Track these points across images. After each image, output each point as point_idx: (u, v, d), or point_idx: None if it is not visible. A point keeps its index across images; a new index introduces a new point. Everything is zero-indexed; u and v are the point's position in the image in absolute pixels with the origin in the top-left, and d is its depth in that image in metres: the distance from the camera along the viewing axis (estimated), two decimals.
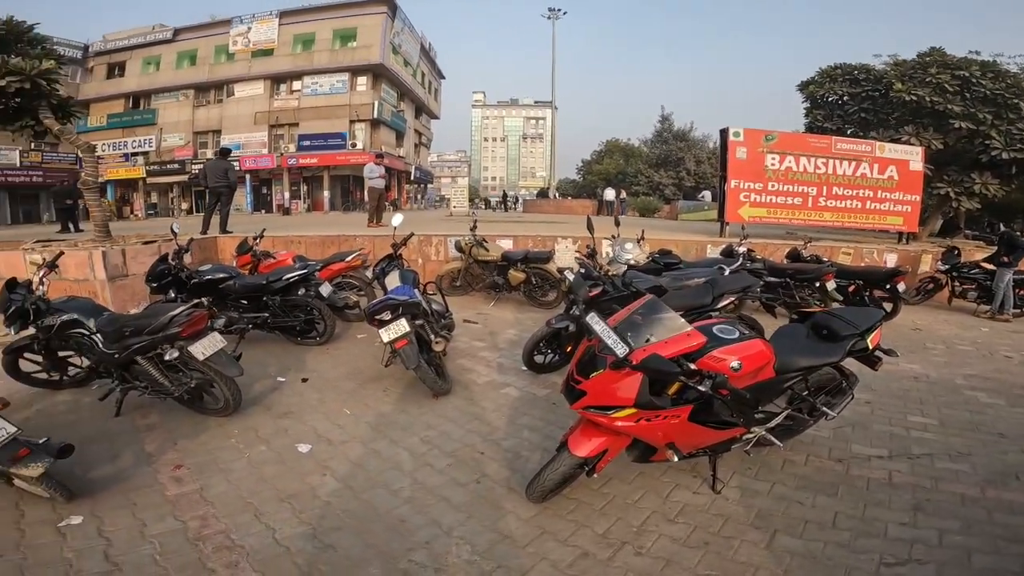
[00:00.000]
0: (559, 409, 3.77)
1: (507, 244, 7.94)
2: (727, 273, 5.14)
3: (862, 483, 2.86)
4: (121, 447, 3.12)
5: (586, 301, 3.83)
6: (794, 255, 7.61)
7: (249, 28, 28.50)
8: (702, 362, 2.19)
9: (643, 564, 2.20)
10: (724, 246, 7.53)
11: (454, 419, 3.58)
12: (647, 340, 2.13)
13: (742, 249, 6.91)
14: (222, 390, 3.43)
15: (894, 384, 4.43)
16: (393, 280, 4.23)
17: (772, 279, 6.81)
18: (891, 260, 8.73)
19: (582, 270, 4.18)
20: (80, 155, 7.21)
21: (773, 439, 2.83)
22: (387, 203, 29.63)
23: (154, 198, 31.17)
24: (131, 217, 27.81)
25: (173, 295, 5.04)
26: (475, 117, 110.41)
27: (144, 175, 29.98)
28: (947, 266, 8.07)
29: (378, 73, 28.52)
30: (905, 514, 2.57)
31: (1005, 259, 7.44)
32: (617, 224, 4.52)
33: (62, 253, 4.33)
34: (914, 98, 11.13)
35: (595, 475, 2.47)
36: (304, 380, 4.29)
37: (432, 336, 3.89)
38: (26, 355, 3.81)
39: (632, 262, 5.04)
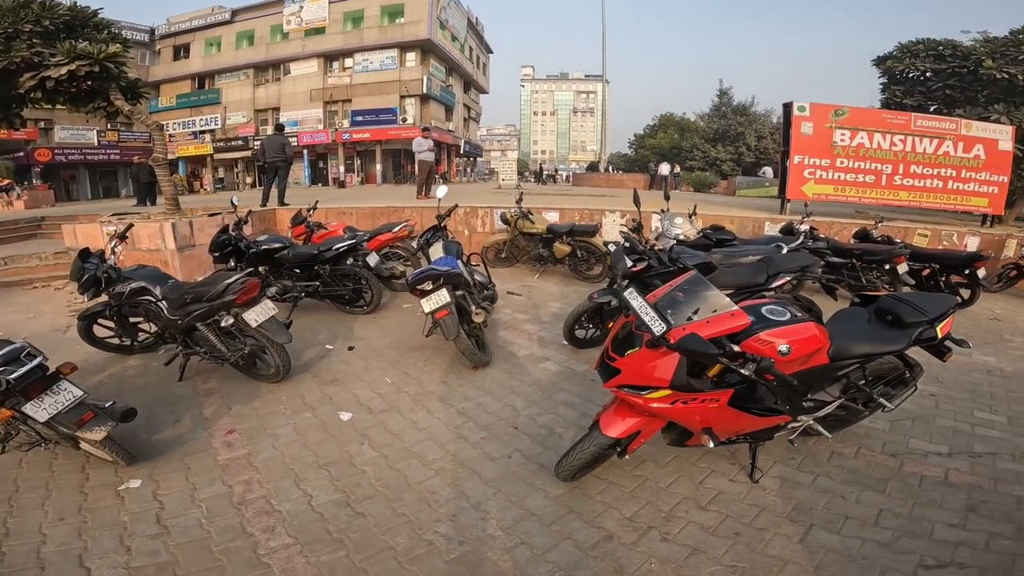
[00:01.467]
0: (597, 386, 3.69)
1: (553, 217, 7.84)
2: (785, 252, 4.84)
3: (915, 480, 2.68)
4: (182, 411, 3.29)
5: (626, 275, 3.70)
6: (863, 235, 7.08)
7: (301, 7, 28.98)
8: (747, 344, 2.05)
9: (668, 551, 2.15)
10: (784, 223, 7.10)
11: (491, 392, 3.61)
12: (688, 319, 2.01)
13: (804, 227, 6.48)
14: (273, 356, 3.57)
15: (964, 377, 4.10)
16: (437, 251, 4.27)
17: (836, 260, 6.36)
18: (972, 244, 7.98)
19: (626, 243, 4.04)
20: (151, 134, 7.60)
21: (821, 429, 2.67)
22: (437, 176, 30.05)
23: (221, 173, 32.91)
24: (201, 191, 29.42)
25: (233, 264, 5.32)
26: (524, 91, 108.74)
27: (212, 152, 31.69)
28: None
29: (426, 49, 28.46)
30: (956, 515, 2.40)
31: None
32: (667, 198, 4.32)
33: (132, 225, 4.63)
34: (1006, 76, 10.13)
35: (627, 456, 2.41)
36: (351, 348, 4.43)
37: (473, 307, 3.90)
38: (100, 321, 4.08)
39: (681, 237, 4.83)
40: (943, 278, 6.42)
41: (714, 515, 2.36)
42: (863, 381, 2.63)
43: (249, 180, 31.69)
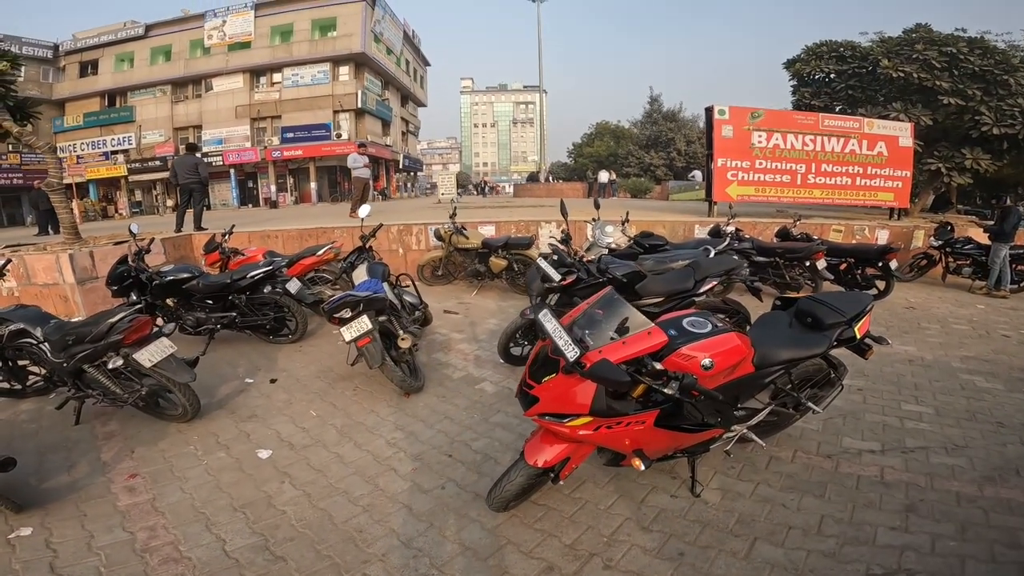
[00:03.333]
0: None
1: (489, 231, 7.72)
2: (713, 254, 4.94)
3: (852, 482, 2.68)
4: (78, 456, 3.06)
5: (540, 294, 3.61)
6: (784, 233, 7.43)
7: (224, 21, 27.71)
8: (670, 361, 1.98)
9: None
10: (712, 226, 7.34)
11: (424, 419, 3.42)
12: (611, 338, 1.93)
13: (730, 228, 6.73)
14: (178, 396, 3.29)
15: (887, 368, 4.26)
16: (360, 274, 4.04)
17: (761, 259, 6.62)
18: (883, 237, 8.58)
19: (554, 256, 3.95)
20: (47, 157, 6.88)
21: (755, 438, 2.66)
22: (375, 192, 29.39)
23: (138, 196, 30.65)
24: (116, 216, 27.33)
25: (136, 298, 4.83)
26: (464, 103, 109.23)
27: (126, 173, 29.44)
28: (940, 242, 7.90)
29: (360, 62, 27.89)
30: (896, 516, 2.40)
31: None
32: (597, 207, 4.30)
33: (10, 260, 4.13)
34: (901, 75, 11.01)
35: (560, 482, 2.29)
36: (273, 381, 4.13)
37: (400, 332, 3.69)
38: None
39: (613, 246, 4.83)
40: (859, 271, 6.83)
41: (657, 536, 2.28)
42: (790, 385, 2.63)
43: (170, 203, 29.62)
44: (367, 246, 5.12)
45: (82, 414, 3.43)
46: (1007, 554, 2.15)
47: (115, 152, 29.64)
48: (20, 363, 3.69)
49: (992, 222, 7.68)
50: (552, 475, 2.22)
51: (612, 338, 1.93)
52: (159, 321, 4.66)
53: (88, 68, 30.05)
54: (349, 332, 3.38)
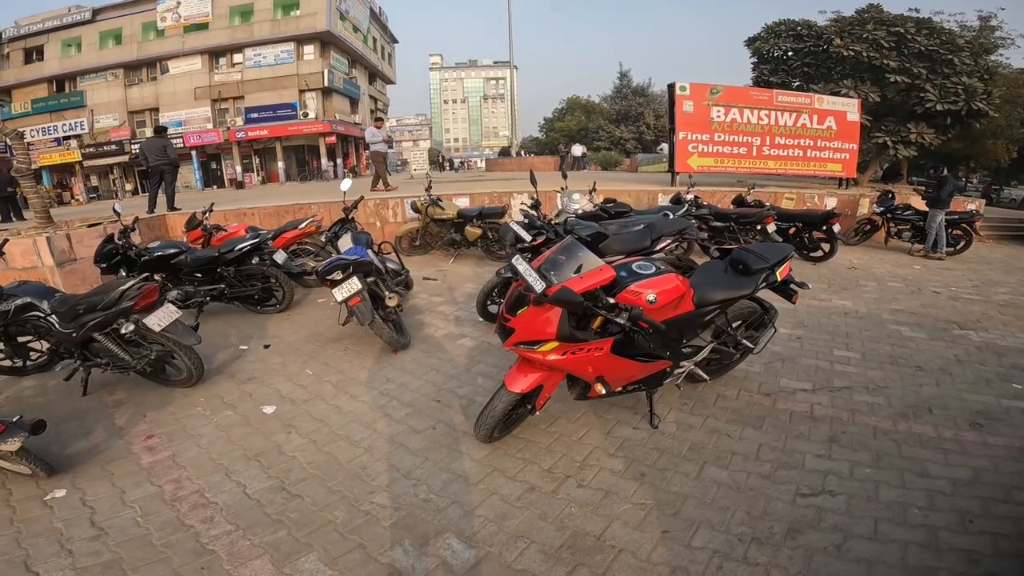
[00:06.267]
0: (512, 357, 3.96)
1: (463, 202, 8.02)
2: (671, 219, 5.39)
3: (786, 416, 3.02)
4: (92, 424, 3.18)
5: (513, 244, 3.99)
6: (739, 201, 7.97)
7: (179, 3, 26.42)
8: (621, 296, 2.35)
9: (584, 495, 2.38)
10: (673, 194, 7.80)
11: (412, 371, 3.76)
12: (571, 276, 2.28)
13: (689, 197, 7.19)
14: (183, 360, 3.48)
15: (824, 320, 4.71)
16: (345, 242, 4.32)
17: (718, 224, 7.16)
18: (831, 204, 9.21)
19: (525, 220, 4.33)
20: (8, 143, 6.76)
21: (701, 373, 3.05)
22: (345, 171, 28.97)
23: (94, 181, 29.45)
24: (72, 202, 26.28)
25: (124, 274, 4.99)
26: (433, 80, 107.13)
27: (80, 158, 28.22)
28: (882, 208, 8.54)
29: (326, 41, 27.07)
30: (822, 446, 2.72)
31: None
32: (565, 176, 4.67)
33: (7, 240, 4.22)
34: (852, 53, 11.42)
35: (538, 413, 2.64)
36: (266, 346, 4.37)
37: (386, 292, 4.02)
38: None
39: (580, 212, 5.22)
40: (807, 235, 7.42)
41: (622, 460, 2.62)
42: (729, 326, 3.03)
43: (129, 187, 28.69)
44: (350, 217, 5.37)
45: (88, 386, 3.56)
46: (916, 481, 2.44)
47: (67, 137, 28.34)
48: (21, 340, 3.75)
49: (927, 189, 8.36)
50: (530, 406, 2.58)
51: (571, 276, 2.29)
52: None
53: (33, 54, 28.55)
54: (340, 292, 3.68)
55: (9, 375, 3.87)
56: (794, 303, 3.27)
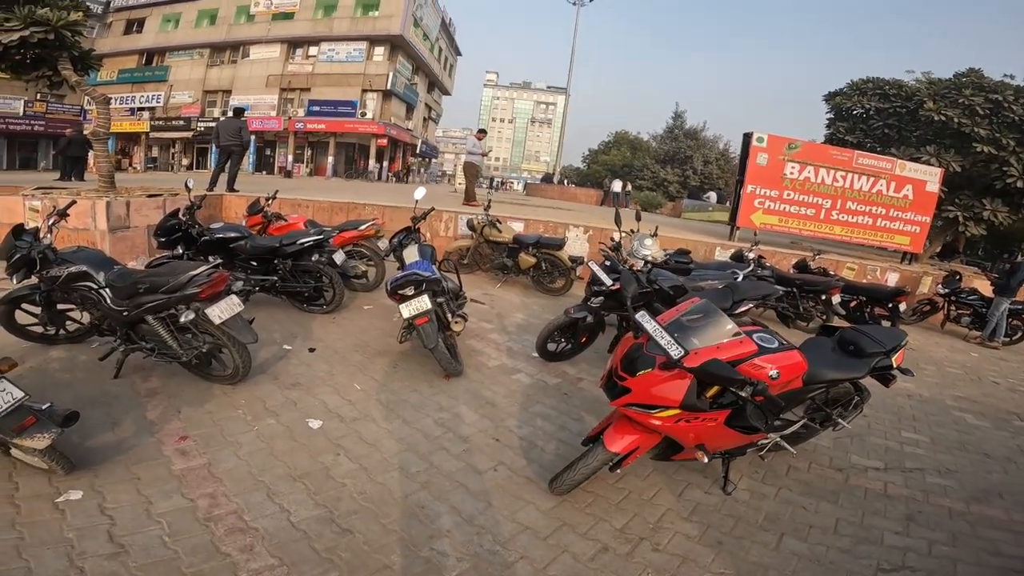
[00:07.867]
0: (571, 400, 3.77)
1: (519, 227, 7.88)
2: (740, 278, 5.13)
3: (860, 492, 3.01)
4: (121, 413, 2.91)
5: (634, 298, 3.76)
6: (802, 265, 7.65)
7: None
8: (743, 368, 2.19)
9: (661, 560, 2.25)
10: (734, 250, 7.51)
11: (466, 402, 3.56)
12: (702, 343, 2.16)
13: (752, 255, 6.90)
14: (232, 356, 3.27)
15: (888, 401, 4.53)
16: (412, 254, 4.17)
17: (778, 288, 6.82)
18: (892, 279, 8.79)
19: (607, 262, 4.13)
20: (95, 106, 6.98)
21: (787, 445, 2.93)
22: (390, 174, 29.44)
23: (155, 152, 30.76)
24: (129, 170, 27.30)
25: (181, 251, 4.96)
26: (486, 96, 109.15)
27: (148, 129, 29.74)
28: (947, 290, 8.11)
29: (396, 44, 27.98)
30: (899, 523, 2.73)
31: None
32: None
33: (74, 202, 4.14)
34: (943, 118, 10.97)
35: (618, 471, 2.48)
36: (311, 350, 4.19)
37: (451, 316, 3.84)
38: (23, 307, 3.56)
39: (650, 258, 4.99)
40: (868, 309, 7.05)
41: (697, 525, 2.51)
42: (825, 402, 2.88)
43: (186, 162, 29.77)
44: (416, 227, 5.25)
45: (122, 368, 3.31)
46: (990, 560, 2.52)
47: (141, 109, 29.97)
48: (60, 307, 3.57)
49: (997, 275, 7.91)
50: (612, 463, 2.40)
51: (708, 343, 2.14)
52: None
53: (134, 26, 30.48)
54: (408, 309, 3.50)
55: (37, 342, 3.62)
56: (889, 387, 3.12)
